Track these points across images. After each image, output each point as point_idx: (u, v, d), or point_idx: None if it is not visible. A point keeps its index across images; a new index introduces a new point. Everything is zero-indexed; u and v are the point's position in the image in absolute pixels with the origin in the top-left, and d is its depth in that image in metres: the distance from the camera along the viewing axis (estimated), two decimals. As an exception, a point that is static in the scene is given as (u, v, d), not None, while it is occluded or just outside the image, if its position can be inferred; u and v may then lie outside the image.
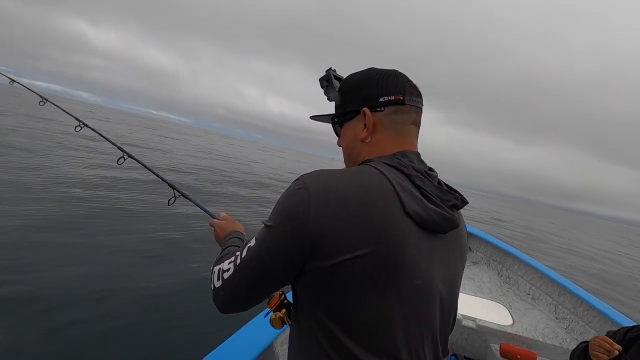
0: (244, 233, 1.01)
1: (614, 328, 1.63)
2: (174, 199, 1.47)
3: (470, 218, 17.21)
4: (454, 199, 0.64)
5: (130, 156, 1.71)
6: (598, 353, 1.22)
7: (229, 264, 0.64)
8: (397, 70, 0.71)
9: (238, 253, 0.64)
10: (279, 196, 0.61)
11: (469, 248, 3.89)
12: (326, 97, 0.79)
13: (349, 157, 0.75)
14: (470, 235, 3.94)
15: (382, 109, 0.67)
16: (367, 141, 0.69)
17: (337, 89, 0.76)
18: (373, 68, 0.73)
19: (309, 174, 0.60)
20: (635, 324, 1.40)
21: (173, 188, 1.49)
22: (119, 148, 1.74)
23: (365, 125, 0.69)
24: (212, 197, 8.64)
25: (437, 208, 0.59)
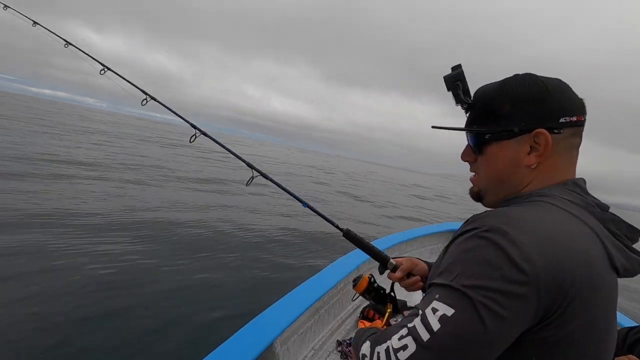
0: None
1: None
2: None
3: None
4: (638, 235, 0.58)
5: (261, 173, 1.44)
6: None
7: (401, 339, 0.50)
8: (562, 81, 0.61)
9: (415, 324, 0.50)
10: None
11: None
12: (456, 101, 0.67)
13: (498, 182, 0.64)
14: None
15: (560, 131, 0.58)
16: (533, 167, 0.60)
17: (483, 96, 0.65)
18: (537, 76, 0.61)
19: (498, 218, 0.52)
20: (635, 324, 1.39)
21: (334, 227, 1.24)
22: (250, 166, 1.47)
23: (532, 148, 0.59)
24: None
25: (638, 257, 0.55)
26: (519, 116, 0.60)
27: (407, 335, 0.50)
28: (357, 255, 2.48)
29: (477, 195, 0.70)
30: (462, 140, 0.73)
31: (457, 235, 0.56)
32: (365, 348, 0.58)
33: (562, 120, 0.58)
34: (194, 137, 1.57)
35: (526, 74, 0.62)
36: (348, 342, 2.05)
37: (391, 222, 10.24)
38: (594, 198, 0.59)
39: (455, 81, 0.66)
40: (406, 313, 1.10)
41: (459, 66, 0.67)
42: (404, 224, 10.06)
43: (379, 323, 0.85)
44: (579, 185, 0.60)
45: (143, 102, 1.63)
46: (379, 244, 2.89)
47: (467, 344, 0.47)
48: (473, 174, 0.71)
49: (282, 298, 1.77)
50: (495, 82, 0.65)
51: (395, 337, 0.52)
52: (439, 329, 0.47)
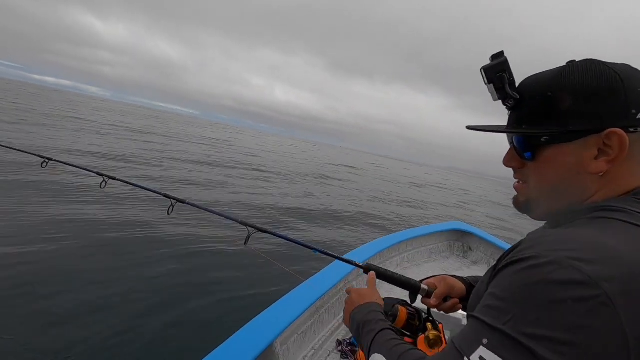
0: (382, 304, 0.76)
1: None
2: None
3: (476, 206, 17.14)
4: None
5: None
6: None
7: None
8: (631, 67, 0.50)
9: None
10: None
11: (469, 247, 3.89)
12: (499, 96, 0.56)
13: (554, 193, 0.53)
14: (470, 234, 3.94)
15: (637, 129, 0.47)
16: (600, 175, 0.49)
17: (535, 89, 0.53)
18: (603, 63, 0.49)
19: (565, 245, 0.41)
20: None
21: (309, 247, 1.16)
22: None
23: (601, 151, 0.49)
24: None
25: None
26: (585, 113, 0.48)
27: None
28: (357, 256, 2.48)
29: (525, 206, 0.60)
30: (466, 133, 0.60)
31: (510, 261, 0.44)
32: None
33: (639, 116, 0.47)
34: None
35: (588, 59, 0.51)
36: (348, 341, 2.05)
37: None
38: None
39: (499, 72, 0.54)
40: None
41: (501, 53, 0.55)
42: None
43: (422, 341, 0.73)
44: None
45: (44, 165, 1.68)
46: (379, 244, 2.90)
47: None
48: (517, 180, 0.61)
49: (282, 298, 1.77)
50: (548, 71, 0.54)
51: None
52: None
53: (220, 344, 1.34)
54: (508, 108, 0.57)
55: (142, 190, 1.54)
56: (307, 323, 1.93)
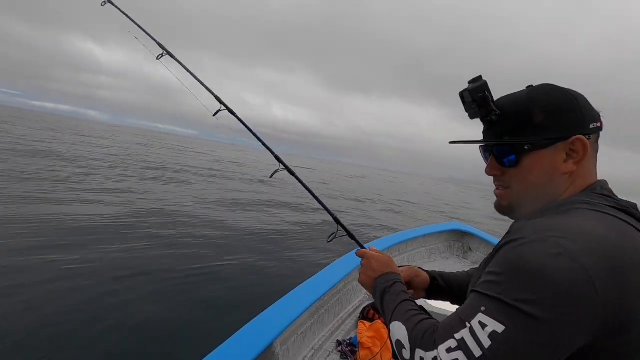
0: (397, 270, 0.82)
1: None
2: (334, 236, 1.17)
3: (476, 213, 17.19)
4: None
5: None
6: None
7: (449, 352, 0.49)
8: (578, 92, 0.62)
9: (464, 336, 0.49)
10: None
11: (469, 248, 3.89)
12: (480, 114, 0.65)
13: (536, 193, 0.63)
14: (470, 235, 3.94)
15: (590, 137, 0.59)
16: (569, 174, 0.60)
17: (514, 107, 0.63)
18: (559, 86, 0.62)
19: (547, 228, 0.50)
20: None
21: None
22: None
23: (568, 155, 0.59)
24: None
25: None
26: (555, 124, 0.59)
27: (456, 349, 0.48)
28: (357, 256, 2.47)
29: (508, 210, 0.68)
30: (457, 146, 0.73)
31: (502, 244, 0.54)
32: (404, 337, 0.58)
33: (591, 126, 0.60)
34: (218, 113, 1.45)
35: (546, 84, 0.63)
36: (348, 342, 2.05)
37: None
38: (621, 198, 0.59)
39: (481, 92, 0.63)
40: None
41: (480, 77, 0.64)
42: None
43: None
44: (607, 188, 0.60)
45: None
46: (378, 244, 2.90)
47: (517, 358, 0.45)
48: (497, 188, 0.69)
49: (282, 298, 1.77)
50: (518, 92, 0.65)
51: (443, 348, 0.50)
52: (490, 346, 0.46)
53: (220, 344, 1.34)
54: (488, 123, 0.66)
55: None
56: (307, 323, 1.93)
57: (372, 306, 2.33)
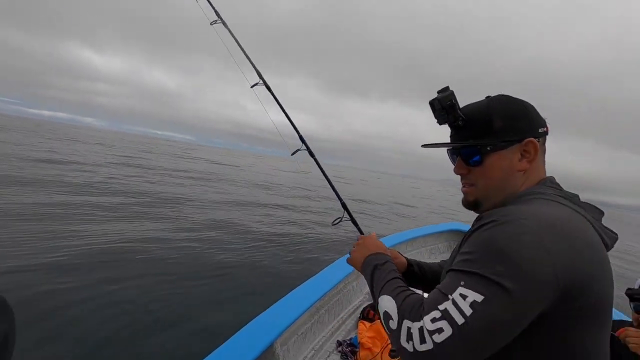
0: (389, 254, 0.89)
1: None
2: (339, 219, 1.24)
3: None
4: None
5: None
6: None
7: (434, 321, 0.53)
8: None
9: (447, 307, 0.54)
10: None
11: None
12: (448, 119, 0.73)
13: (497, 188, 0.71)
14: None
15: (539, 140, 0.70)
16: (524, 172, 0.70)
17: (478, 113, 0.71)
18: (512, 96, 0.73)
19: (514, 212, 0.58)
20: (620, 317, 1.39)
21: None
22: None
23: (522, 155, 0.69)
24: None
25: (613, 235, 0.67)
26: (511, 129, 0.69)
27: (440, 318, 0.53)
28: None
29: (474, 204, 0.76)
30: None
31: (476, 227, 0.61)
32: (392, 309, 0.62)
33: (540, 130, 0.70)
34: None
35: (502, 95, 0.73)
36: (348, 342, 2.04)
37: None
38: (566, 190, 0.70)
39: (449, 100, 0.71)
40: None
41: (447, 88, 0.73)
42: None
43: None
44: (555, 182, 0.71)
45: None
46: None
47: (497, 325, 0.52)
48: (464, 186, 0.77)
49: (282, 298, 1.77)
50: (479, 101, 0.74)
51: (428, 318, 0.55)
52: (472, 314, 0.52)
53: (220, 345, 1.33)
54: (455, 128, 0.75)
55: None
56: (307, 324, 1.93)
57: (372, 306, 2.33)
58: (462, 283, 0.55)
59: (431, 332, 0.53)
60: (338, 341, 2.05)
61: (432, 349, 0.52)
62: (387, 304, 0.64)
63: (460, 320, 0.52)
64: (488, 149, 0.70)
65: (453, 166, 0.79)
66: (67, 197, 6.97)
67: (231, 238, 5.81)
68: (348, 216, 1.18)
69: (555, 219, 0.57)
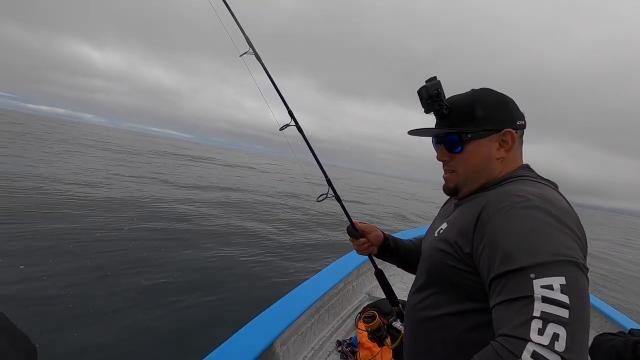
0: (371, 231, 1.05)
1: (614, 328, 1.62)
2: (324, 196, 1.24)
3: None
4: None
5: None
6: None
7: (542, 333, 0.46)
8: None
9: (542, 309, 0.48)
10: None
11: None
12: (434, 108, 0.76)
13: (477, 174, 0.75)
14: None
15: (517, 131, 0.74)
16: (501, 160, 0.74)
17: (461, 103, 0.75)
18: (495, 90, 0.76)
19: (530, 192, 0.63)
20: (636, 325, 1.37)
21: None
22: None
23: (500, 144, 0.74)
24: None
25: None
26: (491, 119, 0.73)
27: (545, 325, 0.47)
28: (357, 256, 2.48)
29: (454, 190, 0.80)
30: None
31: (486, 221, 0.62)
32: None
33: (518, 123, 0.74)
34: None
35: (486, 88, 0.76)
36: (348, 342, 2.04)
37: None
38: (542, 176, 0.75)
39: (435, 89, 0.75)
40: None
41: (435, 77, 0.77)
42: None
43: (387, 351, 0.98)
44: (531, 168, 0.76)
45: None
46: None
47: (587, 294, 0.52)
48: (445, 173, 0.81)
49: (282, 298, 1.77)
50: (464, 93, 0.78)
51: (532, 335, 0.47)
52: (570, 300, 0.49)
53: (220, 345, 1.33)
54: (440, 116, 0.78)
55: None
56: (307, 323, 1.93)
57: (371, 306, 2.33)
58: (532, 276, 0.51)
59: (549, 346, 0.45)
60: (338, 341, 2.05)
61: (569, 353, 0.45)
62: None
63: (564, 313, 0.47)
64: (469, 136, 0.74)
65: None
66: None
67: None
68: (333, 193, 1.23)
69: (549, 195, 0.62)
